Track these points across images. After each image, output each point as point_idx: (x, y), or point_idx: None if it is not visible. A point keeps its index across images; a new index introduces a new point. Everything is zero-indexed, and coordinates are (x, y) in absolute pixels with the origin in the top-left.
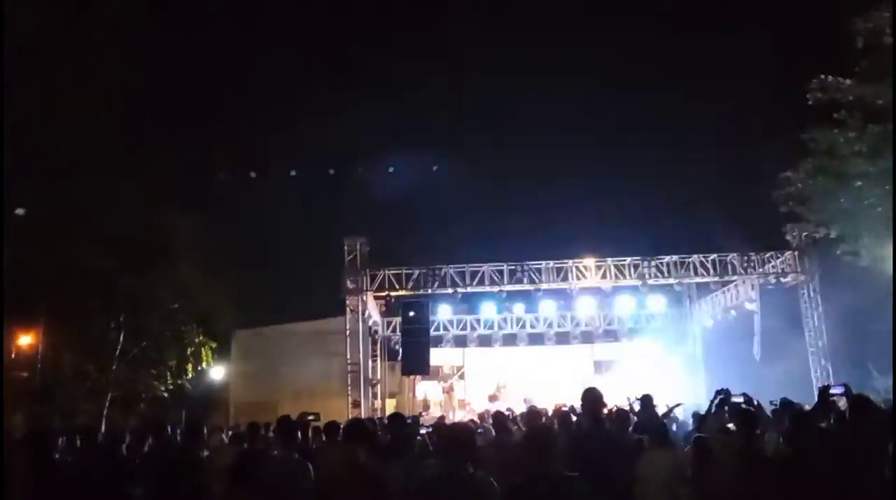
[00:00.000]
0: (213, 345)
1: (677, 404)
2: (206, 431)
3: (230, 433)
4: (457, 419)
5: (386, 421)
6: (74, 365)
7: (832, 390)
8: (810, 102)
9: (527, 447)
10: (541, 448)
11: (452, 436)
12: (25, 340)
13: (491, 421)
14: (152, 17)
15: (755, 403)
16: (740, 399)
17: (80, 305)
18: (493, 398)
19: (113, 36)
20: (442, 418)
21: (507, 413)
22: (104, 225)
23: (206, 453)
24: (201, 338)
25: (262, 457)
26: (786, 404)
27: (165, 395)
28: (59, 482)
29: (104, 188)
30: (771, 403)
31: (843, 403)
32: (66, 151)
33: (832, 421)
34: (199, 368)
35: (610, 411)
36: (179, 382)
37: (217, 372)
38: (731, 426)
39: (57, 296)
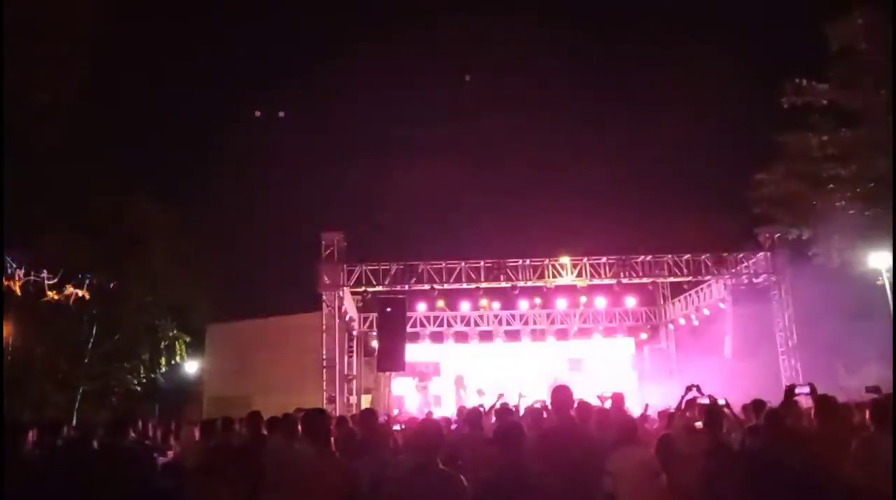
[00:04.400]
0: (187, 339)
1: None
2: (174, 425)
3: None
4: (433, 415)
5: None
6: (45, 357)
7: (797, 390)
8: (785, 105)
9: (496, 443)
10: (509, 444)
11: (421, 432)
12: None
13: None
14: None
15: (721, 402)
16: (706, 401)
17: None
18: (479, 393)
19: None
20: (414, 417)
21: (480, 409)
22: (77, 215)
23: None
24: (175, 332)
25: (228, 451)
26: (758, 404)
27: (138, 388)
28: (27, 477)
29: (77, 178)
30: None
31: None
32: (39, 140)
33: (796, 419)
34: (173, 361)
35: (581, 408)
36: (153, 375)
37: (190, 366)
38: (698, 424)
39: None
